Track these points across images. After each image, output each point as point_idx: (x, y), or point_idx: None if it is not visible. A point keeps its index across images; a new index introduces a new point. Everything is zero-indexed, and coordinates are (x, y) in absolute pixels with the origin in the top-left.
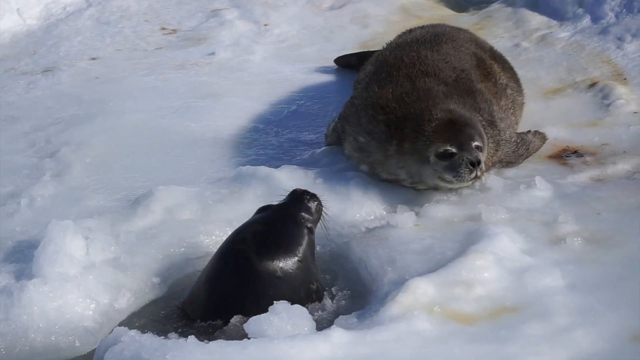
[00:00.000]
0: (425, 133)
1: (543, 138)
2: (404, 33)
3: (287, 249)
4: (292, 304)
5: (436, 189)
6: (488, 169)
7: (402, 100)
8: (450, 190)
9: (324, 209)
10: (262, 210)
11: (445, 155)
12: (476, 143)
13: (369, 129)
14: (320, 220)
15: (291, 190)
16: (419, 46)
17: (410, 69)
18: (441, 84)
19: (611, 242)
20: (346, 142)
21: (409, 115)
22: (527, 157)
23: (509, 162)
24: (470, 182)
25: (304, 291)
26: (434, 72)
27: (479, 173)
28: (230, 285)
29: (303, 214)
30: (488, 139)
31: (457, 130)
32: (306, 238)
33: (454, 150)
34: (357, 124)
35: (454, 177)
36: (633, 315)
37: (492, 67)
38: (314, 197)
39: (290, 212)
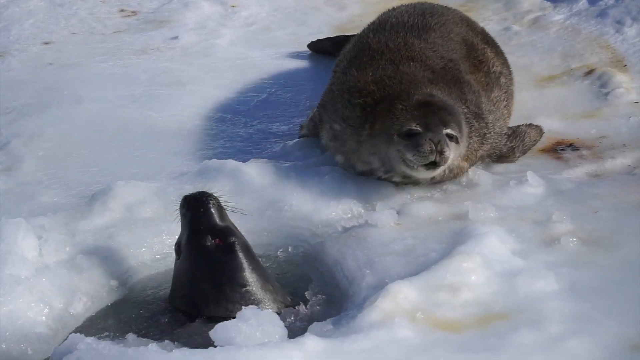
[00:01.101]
0: (395, 112)
1: (539, 130)
2: (387, 11)
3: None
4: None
5: (414, 183)
6: (472, 163)
7: (382, 82)
8: (423, 182)
9: (216, 199)
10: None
11: (410, 135)
12: (448, 131)
13: (344, 115)
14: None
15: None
16: (406, 32)
17: (394, 54)
18: (427, 70)
19: (609, 243)
20: (323, 131)
21: (387, 96)
22: (524, 150)
23: (501, 156)
24: (431, 170)
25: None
26: (420, 58)
27: (437, 158)
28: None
29: (203, 228)
30: (472, 133)
31: (429, 112)
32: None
33: (419, 129)
34: (333, 111)
35: (413, 156)
36: (632, 322)
37: (485, 52)
38: (204, 201)
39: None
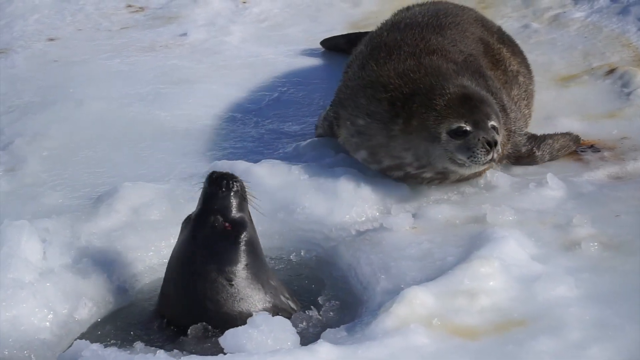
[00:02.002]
0: (436, 107)
1: (572, 138)
2: (400, 11)
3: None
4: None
5: (444, 177)
6: (501, 159)
7: (407, 76)
8: (457, 179)
9: (242, 186)
10: (185, 225)
11: (459, 133)
12: (492, 122)
13: (369, 111)
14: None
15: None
16: (422, 29)
17: (413, 48)
18: (450, 62)
19: (631, 248)
20: (341, 128)
21: (418, 90)
22: (552, 155)
23: (519, 157)
24: (485, 167)
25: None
26: (441, 52)
27: (495, 155)
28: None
29: (220, 218)
30: (505, 123)
31: (472, 107)
32: (233, 243)
33: (468, 128)
34: (354, 107)
35: (467, 158)
36: None
37: (500, 52)
38: (228, 183)
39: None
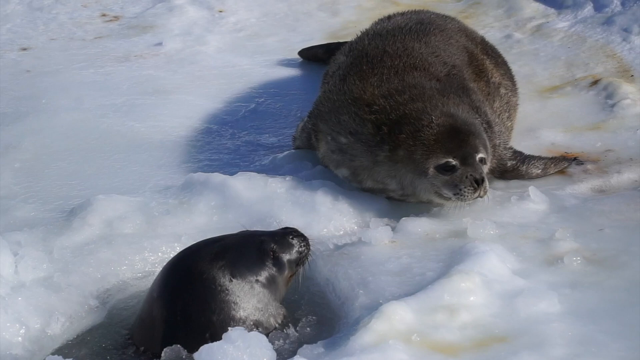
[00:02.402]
0: (425, 141)
1: (560, 164)
2: (381, 20)
3: (238, 272)
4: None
5: (429, 202)
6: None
7: (392, 98)
8: (440, 204)
9: (309, 254)
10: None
11: (446, 169)
12: (480, 155)
13: (352, 129)
14: (300, 264)
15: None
16: (404, 36)
17: (395, 61)
18: (433, 79)
19: (615, 263)
20: (321, 142)
21: (405, 118)
22: (539, 169)
23: (505, 172)
24: (472, 202)
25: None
26: (423, 66)
27: (482, 193)
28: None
29: (274, 245)
30: (490, 138)
31: (460, 141)
32: (265, 268)
33: (455, 163)
34: (336, 123)
35: (454, 194)
36: (639, 345)
37: (484, 63)
38: (300, 235)
39: (257, 238)
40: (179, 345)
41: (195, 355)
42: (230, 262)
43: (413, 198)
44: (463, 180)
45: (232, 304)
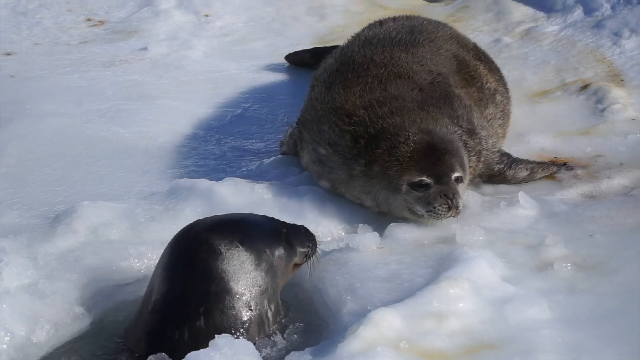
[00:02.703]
0: (399, 158)
1: (548, 169)
2: (373, 25)
3: (249, 241)
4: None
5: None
6: (474, 177)
7: (373, 109)
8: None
9: (316, 250)
10: None
11: (420, 186)
12: (456, 174)
13: (331, 140)
14: (307, 259)
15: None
16: (393, 47)
17: (380, 70)
18: (416, 88)
19: (606, 269)
20: (304, 151)
21: (382, 133)
22: (527, 172)
23: (492, 176)
24: (444, 219)
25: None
26: (407, 74)
27: (454, 213)
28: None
29: (285, 230)
30: (470, 152)
31: (435, 159)
32: (276, 245)
33: (430, 181)
34: (317, 132)
35: (427, 211)
36: (631, 353)
37: (477, 69)
38: (309, 231)
39: (272, 219)
40: (164, 353)
41: None
42: (242, 231)
43: (390, 215)
44: (437, 198)
45: (233, 275)
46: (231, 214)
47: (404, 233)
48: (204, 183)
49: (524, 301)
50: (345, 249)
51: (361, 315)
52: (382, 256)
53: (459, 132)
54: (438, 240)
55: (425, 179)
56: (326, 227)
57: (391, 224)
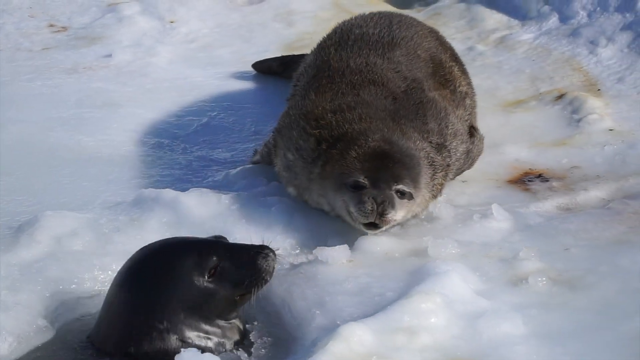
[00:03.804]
0: (348, 158)
1: (481, 139)
2: (352, 20)
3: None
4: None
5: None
6: (436, 196)
7: (342, 113)
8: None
9: (263, 280)
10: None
11: (356, 187)
12: (400, 187)
13: (298, 145)
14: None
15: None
16: (369, 50)
17: (355, 76)
18: (389, 96)
19: (582, 284)
20: (277, 158)
21: (344, 136)
22: (470, 167)
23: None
24: (372, 229)
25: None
26: (382, 81)
27: (377, 220)
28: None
29: (218, 259)
30: (437, 171)
31: (382, 165)
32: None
33: (365, 183)
34: (288, 138)
35: (354, 211)
36: None
37: (452, 70)
38: (265, 258)
39: (207, 246)
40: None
41: None
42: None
43: (343, 219)
44: (365, 200)
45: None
46: (162, 244)
47: (374, 246)
48: (169, 193)
49: (497, 316)
50: (314, 261)
51: (330, 329)
52: (352, 269)
53: (427, 148)
54: (410, 253)
55: (361, 181)
56: (295, 239)
57: (361, 237)
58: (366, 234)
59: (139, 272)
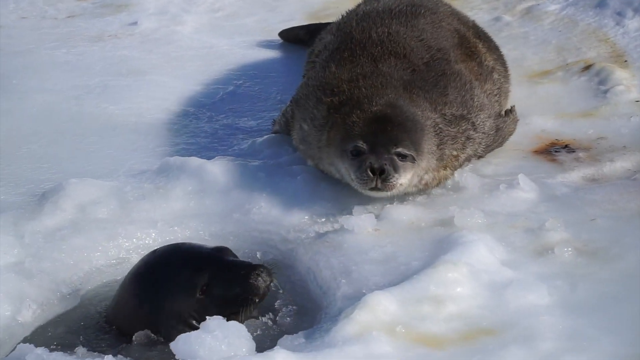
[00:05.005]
0: (349, 123)
1: (515, 120)
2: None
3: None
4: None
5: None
6: (456, 168)
7: (356, 82)
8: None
9: (253, 301)
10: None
11: (357, 153)
12: (400, 149)
13: (312, 114)
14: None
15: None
16: (392, 19)
17: (376, 48)
18: (408, 68)
19: (607, 254)
20: (294, 130)
21: (350, 100)
22: (500, 145)
23: (480, 157)
24: (378, 193)
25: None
26: (403, 53)
27: (378, 184)
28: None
29: (207, 279)
30: (445, 141)
31: (380, 128)
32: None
33: (364, 148)
34: (304, 108)
35: (354, 177)
36: (630, 341)
37: (476, 46)
38: (257, 277)
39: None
40: (148, 331)
41: (172, 344)
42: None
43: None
44: (361, 166)
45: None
46: (159, 257)
47: (400, 215)
48: (195, 161)
49: (523, 286)
50: (340, 230)
51: (356, 298)
52: (378, 238)
53: (436, 119)
54: (435, 223)
55: (361, 146)
56: (320, 208)
57: (387, 206)
58: (387, 201)
59: (137, 285)
